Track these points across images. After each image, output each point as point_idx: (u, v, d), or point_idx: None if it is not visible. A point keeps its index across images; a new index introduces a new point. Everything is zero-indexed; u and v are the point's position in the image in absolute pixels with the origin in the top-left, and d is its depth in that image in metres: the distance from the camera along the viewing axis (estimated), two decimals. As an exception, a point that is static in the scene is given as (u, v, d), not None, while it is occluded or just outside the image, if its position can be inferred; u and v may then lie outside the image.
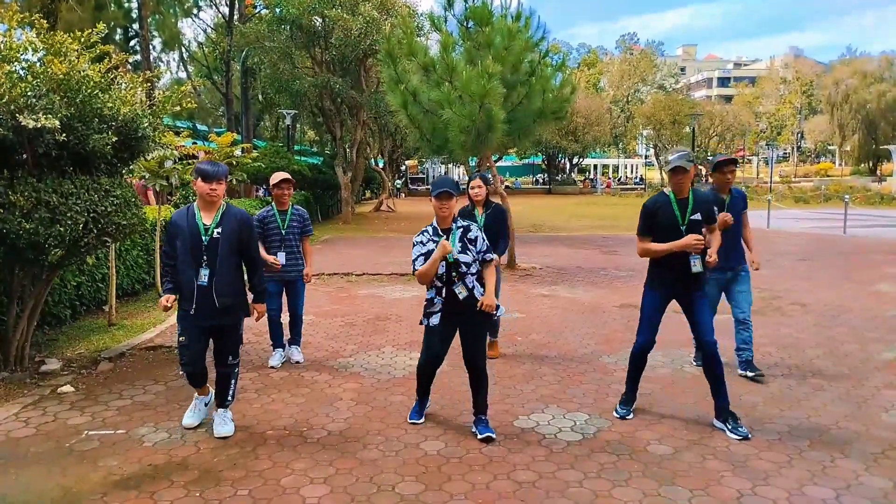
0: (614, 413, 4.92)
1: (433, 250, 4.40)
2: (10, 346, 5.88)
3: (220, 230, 4.47)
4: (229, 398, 4.67)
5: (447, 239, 4.45)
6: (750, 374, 5.75)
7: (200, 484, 3.86)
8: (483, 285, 4.56)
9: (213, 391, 4.78)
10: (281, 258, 6.02)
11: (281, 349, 6.32)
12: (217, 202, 4.51)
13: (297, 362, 6.28)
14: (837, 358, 6.40)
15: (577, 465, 4.08)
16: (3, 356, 5.87)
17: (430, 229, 4.57)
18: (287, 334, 6.41)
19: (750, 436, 4.48)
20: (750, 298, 5.80)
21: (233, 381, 4.66)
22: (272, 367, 6.11)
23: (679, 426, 4.70)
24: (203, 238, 4.44)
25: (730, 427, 4.55)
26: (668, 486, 3.81)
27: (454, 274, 4.46)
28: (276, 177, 6.14)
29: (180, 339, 4.57)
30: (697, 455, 4.22)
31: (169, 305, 4.43)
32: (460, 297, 4.46)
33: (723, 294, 5.83)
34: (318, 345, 6.92)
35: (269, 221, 6.10)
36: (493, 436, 4.47)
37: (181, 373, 4.97)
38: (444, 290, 4.49)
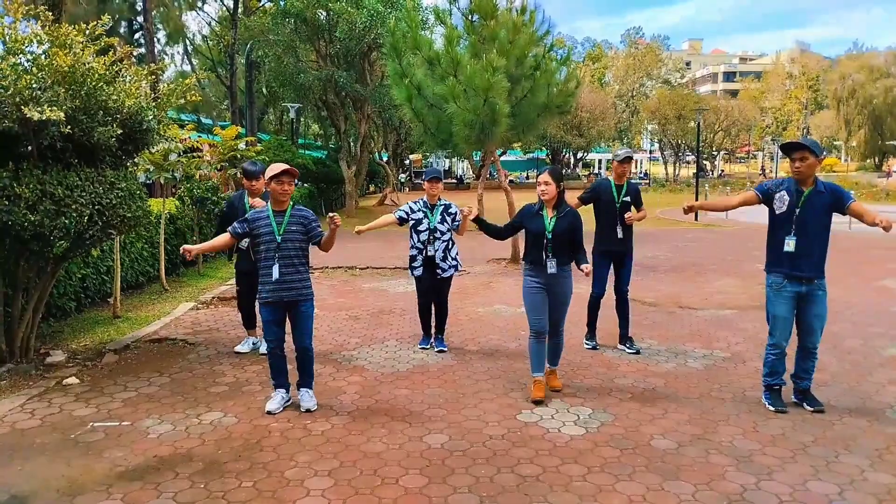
0: (584, 345, 6.54)
1: (421, 219, 6.31)
2: (15, 337, 5.90)
3: None
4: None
5: (431, 213, 6.31)
6: (809, 406, 4.90)
7: (205, 476, 3.87)
8: (452, 250, 6.45)
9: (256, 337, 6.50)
10: (274, 272, 4.75)
11: (283, 390, 4.98)
12: (258, 192, 6.22)
13: (308, 410, 4.86)
14: (841, 353, 6.38)
15: (580, 460, 4.09)
16: (9, 348, 5.89)
17: (421, 202, 6.40)
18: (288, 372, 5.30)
19: (641, 351, 6.30)
20: (824, 323, 4.96)
21: None
22: (268, 412, 4.82)
23: (683, 421, 4.70)
24: None
25: (628, 346, 6.41)
26: (672, 481, 3.81)
27: (432, 237, 6.27)
28: (275, 168, 4.82)
29: (237, 288, 6.70)
30: (701, 450, 4.22)
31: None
32: (429, 253, 6.28)
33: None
34: (322, 338, 6.92)
35: (260, 225, 4.80)
36: (445, 349, 6.45)
37: (241, 312, 6.63)
38: (423, 251, 6.30)
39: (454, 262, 6.46)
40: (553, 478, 3.85)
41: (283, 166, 4.87)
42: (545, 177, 5.08)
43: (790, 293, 4.87)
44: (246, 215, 5.00)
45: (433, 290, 6.46)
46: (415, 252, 6.35)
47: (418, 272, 6.38)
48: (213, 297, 9.02)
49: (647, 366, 6.00)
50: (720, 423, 4.66)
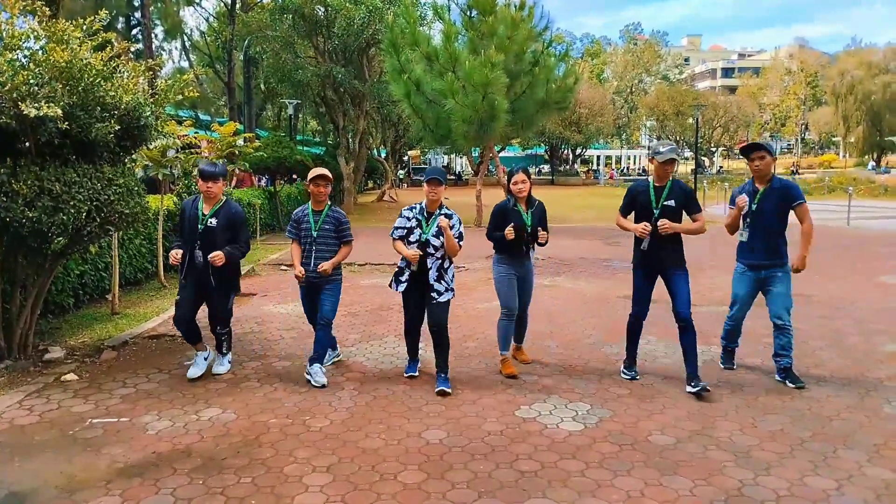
0: (622, 375, 5.54)
1: (414, 227, 5.32)
2: (13, 334, 5.89)
3: (214, 220, 5.42)
4: (224, 350, 5.78)
5: (427, 222, 5.31)
6: (790, 383, 5.31)
7: (204, 472, 3.87)
8: (449, 271, 5.43)
9: (211, 349, 5.83)
10: (311, 262, 5.46)
11: (318, 363, 5.47)
12: (214, 197, 5.47)
13: (324, 386, 5.34)
14: (841, 350, 6.39)
15: (578, 455, 4.09)
16: (7, 344, 5.88)
17: (418, 207, 5.40)
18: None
19: (708, 388, 5.13)
20: (788, 302, 5.37)
21: (224, 340, 5.76)
22: (322, 386, 5.29)
23: (681, 416, 4.70)
24: (199, 225, 5.40)
25: (692, 385, 5.16)
26: (670, 476, 3.81)
27: (424, 252, 5.25)
28: (313, 172, 5.50)
29: (177, 297, 5.64)
30: (699, 445, 4.23)
31: (177, 256, 5.38)
32: (412, 268, 5.28)
33: (759, 294, 5.55)
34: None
35: (302, 221, 5.52)
36: (448, 390, 5.17)
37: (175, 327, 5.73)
38: (411, 265, 5.30)
39: (451, 286, 5.40)
40: (551, 473, 3.86)
41: (321, 171, 5.55)
42: (521, 175, 5.61)
43: (751, 277, 5.51)
44: (292, 216, 5.60)
45: (427, 315, 5.41)
46: (403, 264, 5.39)
47: (402, 287, 5.37)
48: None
49: (644, 362, 6.00)
50: (718, 418, 4.67)
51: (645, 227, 5.16)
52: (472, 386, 5.36)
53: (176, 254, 5.39)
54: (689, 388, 5.14)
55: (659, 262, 5.27)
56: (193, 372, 5.55)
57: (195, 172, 10.67)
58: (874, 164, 58.56)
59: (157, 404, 4.95)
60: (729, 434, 4.40)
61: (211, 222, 5.40)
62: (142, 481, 3.76)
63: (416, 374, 5.58)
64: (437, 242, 5.26)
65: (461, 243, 5.33)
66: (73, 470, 3.91)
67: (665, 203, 5.19)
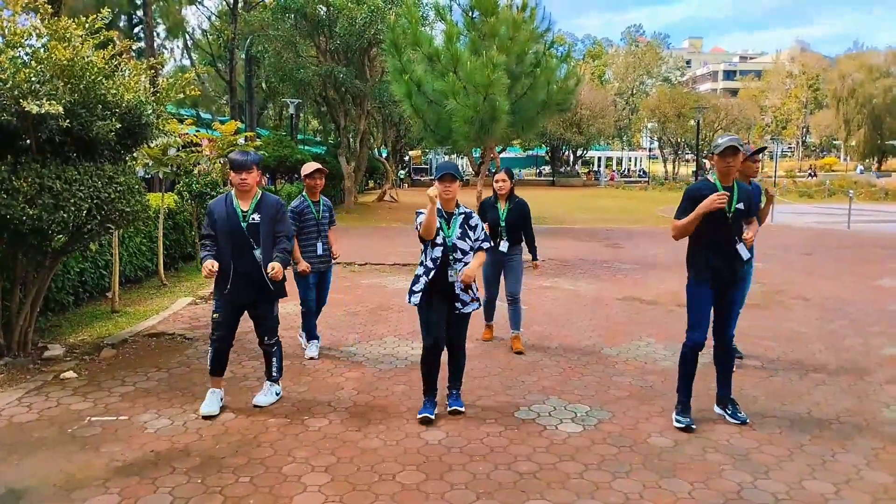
0: (674, 424, 4.55)
1: (437, 228, 4.57)
2: (13, 331, 5.90)
3: (257, 216, 4.73)
4: (274, 373, 5.01)
5: (448, 224, 4.65)
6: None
7: (202, 471, 3.87)
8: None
9: (223, 389, 4.97)
10: (319, 248, 6.14)
11: (316, 340, 6.30)
12: (250, 190, 4.76)
13: (312, 358, 6.12)
14: (839, 352, 6.39)
15: (577, 457, 4.09)
16: (7, 342, 5.89)
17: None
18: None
19: (748, 421, 4.63)
20: (746, 292, 5.88)
21: (273, 360, 4.97)
22: (311, 358, 6.09)
23: (680, 419, 4.69)
24: (242, 224, 4.70)
25: (729, 412, 4.71)
26: (669, 479, 3.81)
27: (450, 258, 4.60)
28: (309, 167, 6.10)
29: (214, 315, 4.82)
30: (698, 448, 4.23)
31: (214, 270, 4.58)
32: (450, 279, 4.60)
33: None
34: (320, 334, 6.91)
35: (306, 213, 6.07)
36: (462, 409, 4.77)
37: (210, 348, 4.84)
38: (432, 272, 4.59)
39: (476, 295, 4.77)
40: (550, 475, 3.86)
41: (316, 165, 6.13)
42: (502, 175, 6.24)
43: None
44: (291, 210, 5.84)
45: (451, 327, 4.72)
46: (421, 271, 4.65)
47: (416, 299, 4.61)
48: (211, 292, 9.00)
49: (644, 363, 6.00)
50: (717, 421, 4.67)
51: (721, 196, 4.29)
52: (470, 386, 5.35)
53: (211, 266, 4.57)
54: (722, 412, 4.73)
55: (732, 273, 4.54)
56: (207, 409, 4.72)
57: (196, 170, 10.75)
58: (862, 168, 58.71)
59: (156, 403, 4.95)
60: (728, 437, 4.40)
61: (254, 218, 4.70)
62: (140, 480, 3.76)
63: (433, 417, 4.61)
64: (464, 246, 4.62)
65: (485, 245, 4.78)
66: (71, 468, 3.91)
67: (737, 206, 4.46)
